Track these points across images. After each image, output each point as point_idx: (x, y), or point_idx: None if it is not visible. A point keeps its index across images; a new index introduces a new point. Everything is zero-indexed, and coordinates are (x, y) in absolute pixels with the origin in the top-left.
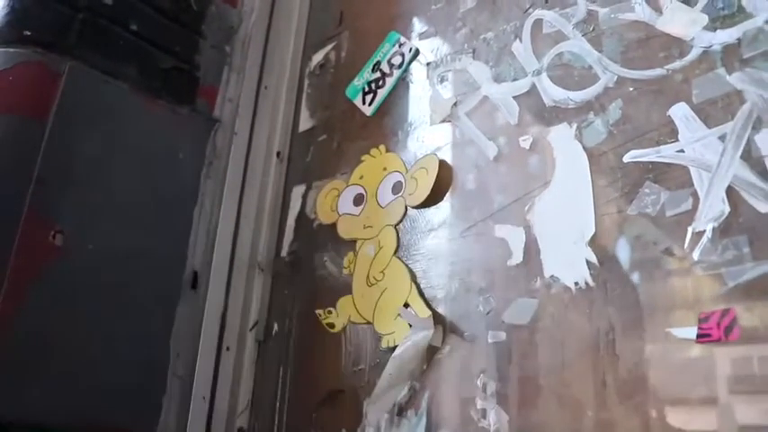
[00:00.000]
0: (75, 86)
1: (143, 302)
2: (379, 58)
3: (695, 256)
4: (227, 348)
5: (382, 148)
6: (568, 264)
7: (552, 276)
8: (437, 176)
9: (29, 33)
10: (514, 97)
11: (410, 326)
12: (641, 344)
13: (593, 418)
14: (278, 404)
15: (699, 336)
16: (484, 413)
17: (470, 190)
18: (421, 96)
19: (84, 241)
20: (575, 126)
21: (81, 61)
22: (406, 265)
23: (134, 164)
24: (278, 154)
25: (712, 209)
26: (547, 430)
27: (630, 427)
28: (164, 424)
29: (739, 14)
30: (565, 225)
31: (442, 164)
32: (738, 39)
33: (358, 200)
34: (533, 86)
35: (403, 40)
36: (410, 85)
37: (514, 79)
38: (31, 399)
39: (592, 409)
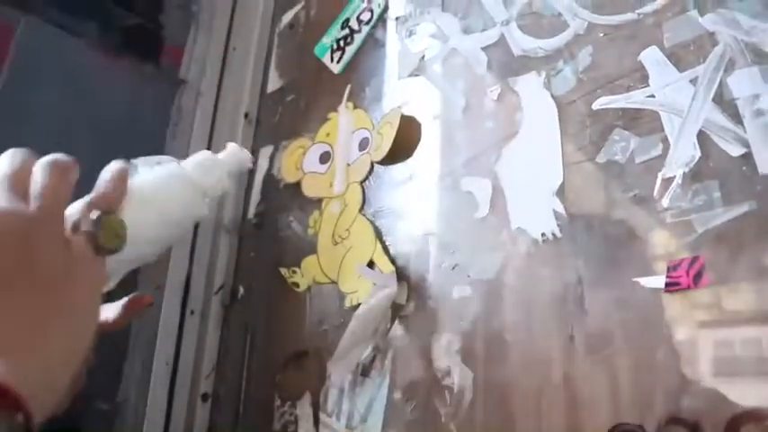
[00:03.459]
0: (29, 41)
1: None
2: (348, 15)
3: (665, 202)
4: (192, 312)
5: (350, 105)
6: (535, 215)
7: (519, 228)
8: (405, 132)
9: None
10: (483, 48)
11: (375, 284)
12: (610, 296)
13: (560, 374)
14: (244, 369)
15: (668, 284)
16: (448, 371)
17: (437, 143)
18: (389, 51)
19: None
20: (543, 75)
21: (36, 15)
22: (372, 223)
23: (94, 123)
24: (246, 115)
25: (683, 154)
26: (512, 387)
27: (598, 381)
28: (125, 390)
29: None
30: (532, 175)
31: (409, 118)
32: None
33: (324, 158)
34: (502, 36)
35: None
36: (378, 40)
37: (483, 30)
38: None
39: (559, 365)
